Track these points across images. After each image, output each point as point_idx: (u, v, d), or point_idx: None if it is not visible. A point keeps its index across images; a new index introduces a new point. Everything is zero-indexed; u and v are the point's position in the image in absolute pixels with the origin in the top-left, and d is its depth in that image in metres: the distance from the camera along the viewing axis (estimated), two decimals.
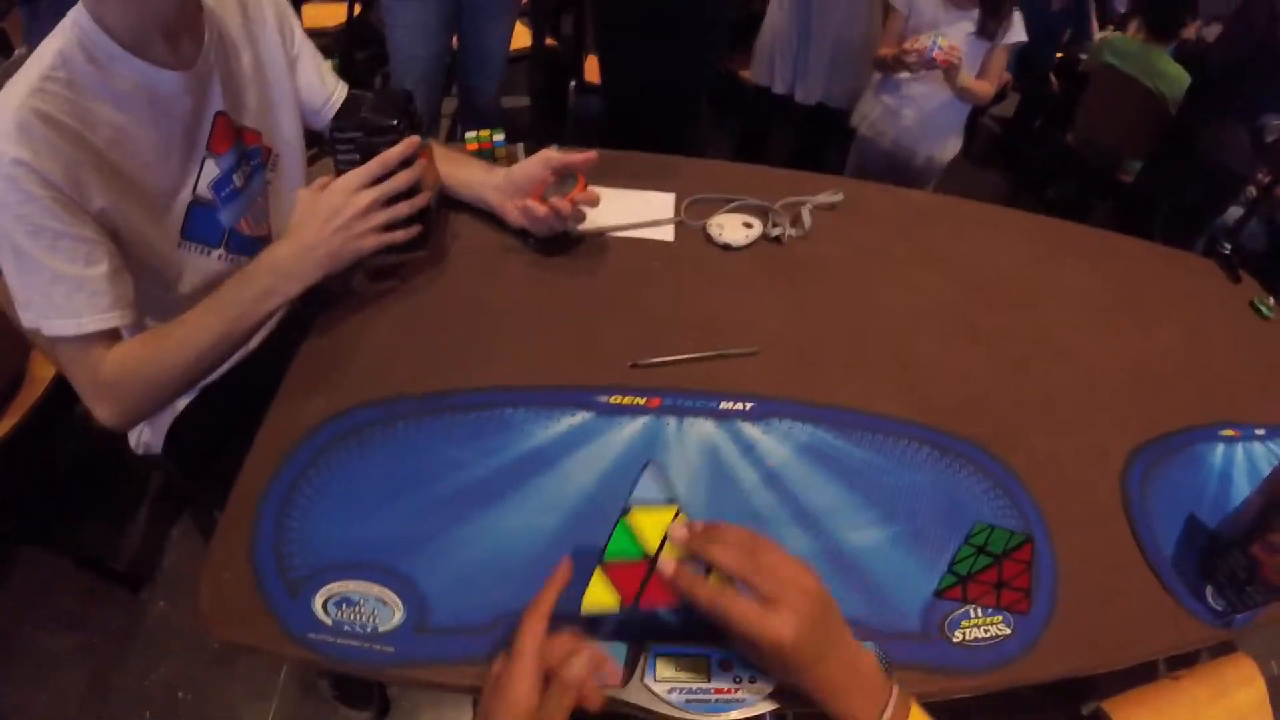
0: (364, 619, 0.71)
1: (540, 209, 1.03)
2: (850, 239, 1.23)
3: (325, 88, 1.17)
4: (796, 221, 1.22)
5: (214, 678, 1.55)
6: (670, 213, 1.23)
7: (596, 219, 1.14)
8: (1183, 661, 1.02)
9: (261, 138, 1.08)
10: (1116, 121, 2.75)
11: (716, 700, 0.67)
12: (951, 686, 0.73)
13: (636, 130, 1.93)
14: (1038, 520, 0.87)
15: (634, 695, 0.67)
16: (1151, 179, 2.64)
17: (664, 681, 0.67)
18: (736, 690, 0.67)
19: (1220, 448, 1.01)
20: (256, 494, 0.79)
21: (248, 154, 1.06)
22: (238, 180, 1.04)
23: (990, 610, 0.78)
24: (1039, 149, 3.29)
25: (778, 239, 1.19)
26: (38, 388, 1.49)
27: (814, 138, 2.68)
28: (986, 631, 0.77)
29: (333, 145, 0.96)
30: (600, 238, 1.16)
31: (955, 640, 0.76)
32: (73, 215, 0.83)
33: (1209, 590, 0.84)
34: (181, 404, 1.13)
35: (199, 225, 1.01)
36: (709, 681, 0.68)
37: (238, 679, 1.55)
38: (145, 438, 1.19)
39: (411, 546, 0.76)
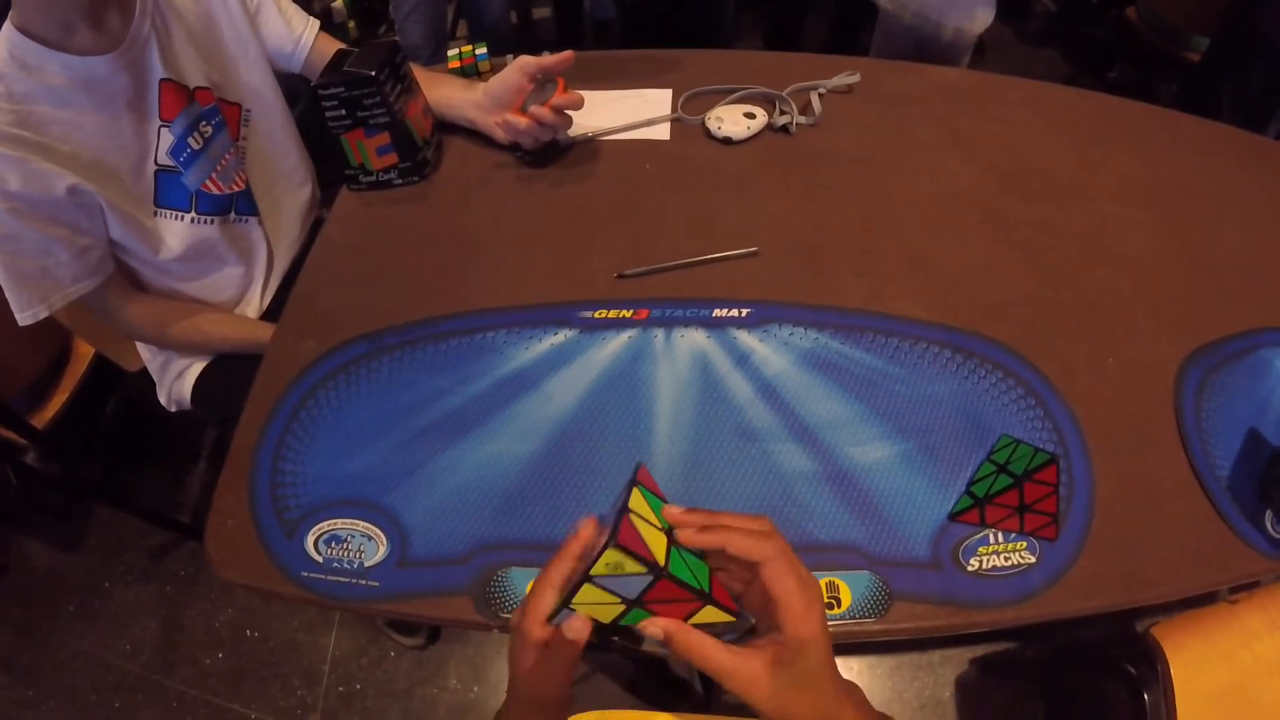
0: (351, 555, 0.72)
1: (521, 121, 1.01)
2: (867, 125, 1.11)
3: (292, 31, 1.14)
4: (807, 109, 1.10)
5: (277, 613, 1.66)
6: (666, 109, 1.13)
7: (587, 123, 1.10)
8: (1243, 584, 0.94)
9: (217, 95, 1.06)
10: None
11: None
12: (962, 621, 0.67)
13: (654, 27, 1.78)
14: (1074, 435, 0.77)
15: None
16: (1218, 58, 2.40)
17: None
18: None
19: None
20: (254, 438, 0.80)
21: (203, 114, 1.04)
22: (194, 142, 1.03)
23: (1013, 536, 0.70)
24: (1098, 26, 3.03)
25: (784, 129, 1.08)
26: (82, 363, 1.54)
27: (846, 21, 2.49)
28: (1007, 559, 0.69)
29: (319, 104, 0.99)
30: (591, 143, 1.10)
31: (970, 569, 0.68)
32: (32, 220, 0.89)
33: (1269, 515, 0.73)
34: (200, 364, 1.20)
35: (168, 191, 1.03)
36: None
37: (298, 614, 1.66)
38: (175, 394, 1.24)
39: (394, 480, 0.76)
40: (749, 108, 1.09)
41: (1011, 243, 0.95)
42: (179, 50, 1.00)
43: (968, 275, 0.91)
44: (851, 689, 0.52)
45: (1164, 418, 0.80)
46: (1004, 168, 1.05)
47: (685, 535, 0.50)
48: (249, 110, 1.12)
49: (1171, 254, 0.96)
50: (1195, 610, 0.94)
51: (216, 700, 1.55)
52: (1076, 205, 1.01)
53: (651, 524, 0.49)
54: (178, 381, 1.22)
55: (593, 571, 0.46)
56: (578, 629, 0.50)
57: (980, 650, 1.50)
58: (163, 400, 1.26)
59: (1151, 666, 0.92)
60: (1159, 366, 0.84)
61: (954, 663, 1.50)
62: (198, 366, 1.20)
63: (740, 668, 0.47)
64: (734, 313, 0.86)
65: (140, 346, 1.24)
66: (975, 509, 0.71)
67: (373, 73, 0.95)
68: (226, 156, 1.07)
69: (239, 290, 1.17)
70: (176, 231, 1.04)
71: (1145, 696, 0.92)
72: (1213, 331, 0.87)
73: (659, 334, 0.84)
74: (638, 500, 0.50)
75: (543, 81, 1.02)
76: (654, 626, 0.49)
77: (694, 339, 0.84)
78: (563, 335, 0.85)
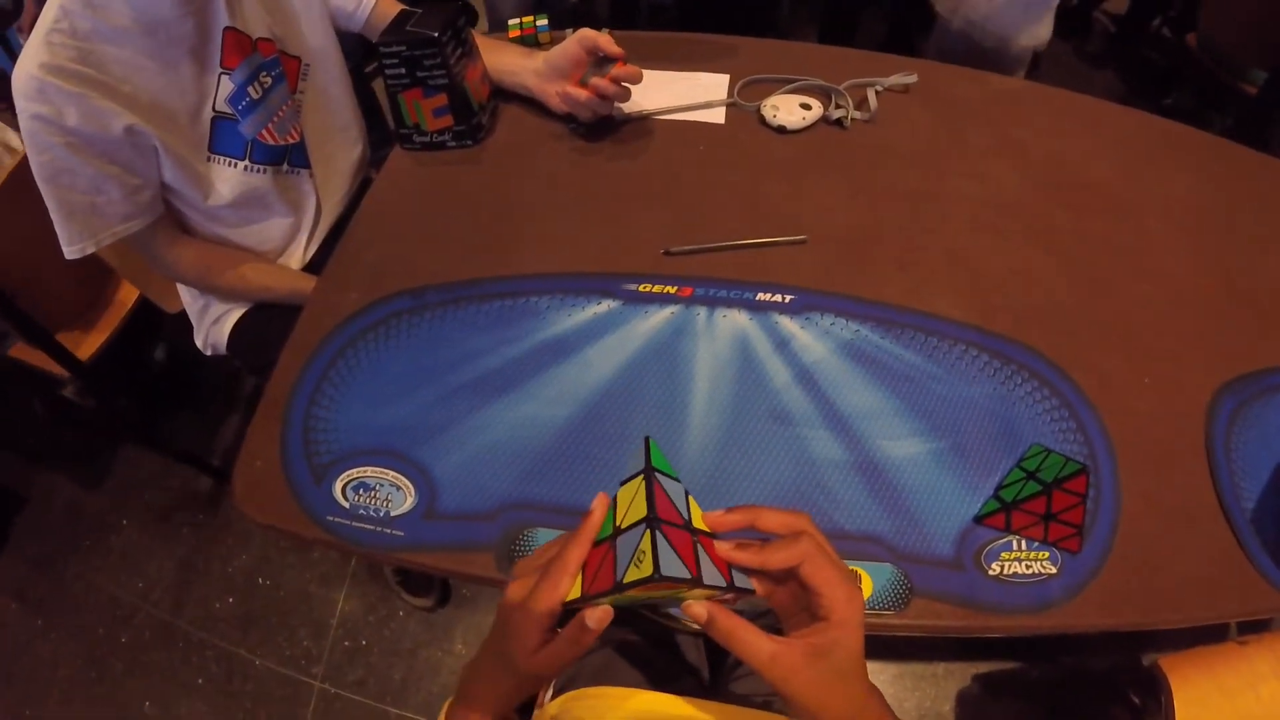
0: (378, 503, 0.72)
1: (580, 93, 1.02)
2: (921, 125, 1.10)
3: None
4: (862, 105, 1.09)
5: (291, 564, 1.69)
6: (723, 94, 1.13)
7: (643, 102, 1.10)
8: (1254, 624, 0.92)
9: (279, 47, 1.07)
10: (1242, 23, 2.45)
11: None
12: (979, 624, 0.67)
13: (710, 14, 1.77)
14: (1105, 451, 0.76)
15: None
16: (1274, 92, 2.36)
17: None
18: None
19: None
20: (290, 383, 0.81)
21: (264, 65, 1.05)
22: (253, 92, 1.03)
23: (1036, 544, 0.70)
24: (1157, 50, 2.98)
25: (839, 122, 1.07)
26: (126, 304, 1.56)
27: (902, 21, 2.45)
28: (1028, 567, 0.69)
29: (379, 61, 1.00)
30: (646, 121, 1.10)
31: (991, 573, 0.68)
32: (88, 155, 0.91)
33: None
34: (239, 311, 1.22)
35: (223, 138, 1.04)
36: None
37: (312, 566, 1.68)
38: (211, 339, 1.26)
39: (428, 434, 0.77)
40: (805, 99, 1.09)
41: (1056, 252, 0.95)
42: (245, 0, 1.01)
43: (1010, 280, 0.91)
44: (875, 689, 0.51)
45: (1194, 443, 0.79)
46: (1054, 179, 1.04)
47: (723, 551, 0.49)
48: (308, 65, 1.12)
49: (1213, 280, 0.94)
50: (1203, 647, 0.93)
51: (222, 643, 1.57)
52: (1123, 221, 1.00)
53: (675, 525, 0.46)
54: (215, 326, 1.24)
55: (625, 579, 0.44)
56: (599, 618, 0.47)
57: (984, 667, 1.49)
58: (199, 344, 1.28)
59: (1155, 698, 0.91)
60: (1193, 391, 0.83)
61: (957, 677, 1.49)
62: (236, 313, 1.21)
63: (781, 655, 0.46)
64: (777, 298, 0.86)
65: (181, 289, 1.26)
66: (1002, 513, 0.71)
67: (436, 34, 0.96)
68: (284, 108, 1.08)
69: (284, 241, 1.18)
70: (228, 178, 1.05)
71: None
72: (1249, 363, 0.86)
73: (701, 312, 0.85)
74: (662, 501, 0.46)
75: (601, 58, 1.02)
76: (697, 608, 0.47)
77: (736, 320, 0.84)
78: (605, 305, 0.86)
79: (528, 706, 0.74)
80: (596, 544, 0.48)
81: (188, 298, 1.25)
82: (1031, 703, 1.48)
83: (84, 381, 1.46)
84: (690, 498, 0.50)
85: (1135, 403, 0.81)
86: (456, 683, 0.57)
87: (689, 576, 0.44)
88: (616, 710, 0.67)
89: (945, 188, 1.02)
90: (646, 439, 0.50)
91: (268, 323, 1.18)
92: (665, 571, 0.42)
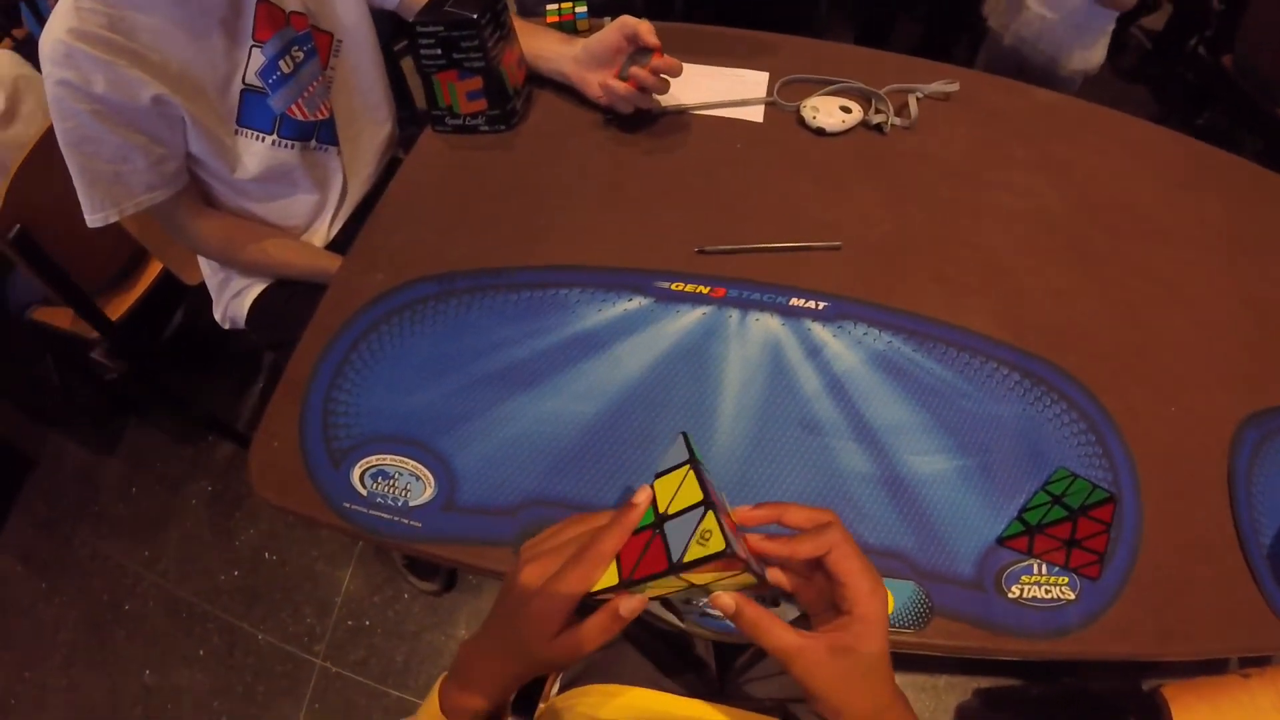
0: (397, 493, 0.71)
1: (620, 86, 1.00)
2: (961, 135, 1.08)
3: None
4: (902, 111, 1.08)
5: (298, 541, 1.69)
6: (762, 92, 1.11)
7: (681, 96, 1.09)
8: (1256, 658, 0.92)
9: (311, 22, 1.06)
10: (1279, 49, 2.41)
11: None
12: (996, 647, 0.66)
13: (747, 10, 1.74)
14: (1129, 479, 0.75)
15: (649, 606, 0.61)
16: None
17: None
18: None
19: None
20: (311, 365, 0.80)
21: (296, 39, 1.03)
22: (284, 66, 1.02)
23: (1057, 570, 0.69)
24: (1192, 69, 2.94)
25: (879, 127, 1.06)
26: (153, 271, 1.56)
27: (942, 28, 2.42)
28: (1048, 592, 0.68)
29: (414, 41, 0.98)
30: (683, 116, 1.09)
31: (1010, 595, 0.68)
32: (113, 124, 0.89)
33: None
34: (259, 286, 1.21)
35: (252, 111, 1.02)
36: None
37: (319, 544, 1.68)
38: (231, 312, 1.25)
39: (450, 424, 0.75)
40: (845, 101, 1.07)
41: (1090, 273, 0.93)
42: None
43: (1044, 299, 0.90)
44: (900, 694, 0.51)
45: (1217, 474, 0.78)
46: (1091, 197, 1.02)
47: (753, 542, 0.50)
48: (340, 41, 1.11)
49: (1245, 309, 0.93)
50: (1206, 677, 0.92)
51: (226, 616, 1.58)
52: (1158, 245, 0.98)
53: (724, 513, 0.48)
54: (235, 300, 1.23)
55: (687, 558, 0.44)
56: (634, 607, 0.48)
57: (985, 682, 1.49)
58: (217, 317, 1.28)
59: None
60: (1218, 422, 0.82)
61: (958, 690, 1.49)
62: (256, 288, 1.21)
63: (806, 649, 0.47)
64: (811, 304, 0.85)
65: (201, 262, 1.25)
66: (1025, 536, 0.71)
67: (474, 15, 0.95)
68: (314, 84, 1.07)
69: (309, 218, 1.17)
70: (256, 152, 1.04)
71: None
72: (1276, 396, 0.85)
73: (733, 314, 0.84)
74: (711, 489, 0.48)
75: (640, 49, 1.00)
76: (725, 599, 0.48)
77: (768, 324, 0.83)
78: (637, 302, 0.84)
79: (527, 697, 0.75)
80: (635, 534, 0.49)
81: (207, 270, 1.25)
82: None
83: (113, 342, 1.45)
84: (722, 493, 0.51)
85: (1160, 431, 0.80)
86: (452, 660, 0.55)
87: (746, 557, 0.46)
88: (612, 701, 0.67)
89: (983, 200, 1.00)
90: (684, 434, 0.51)
91: (288, 299, 1.18)
92: (729, 546, 0.43)
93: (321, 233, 1.19)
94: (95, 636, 1.57)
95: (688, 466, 0.49)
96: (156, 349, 1.70)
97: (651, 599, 0.50)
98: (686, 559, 0.44)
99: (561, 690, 0.75)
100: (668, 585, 0.47)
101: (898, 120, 1.06)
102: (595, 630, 0.48)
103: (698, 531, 0.45)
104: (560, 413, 0.76)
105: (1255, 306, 0.94)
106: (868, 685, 0.48)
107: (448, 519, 0.70)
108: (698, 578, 0.46)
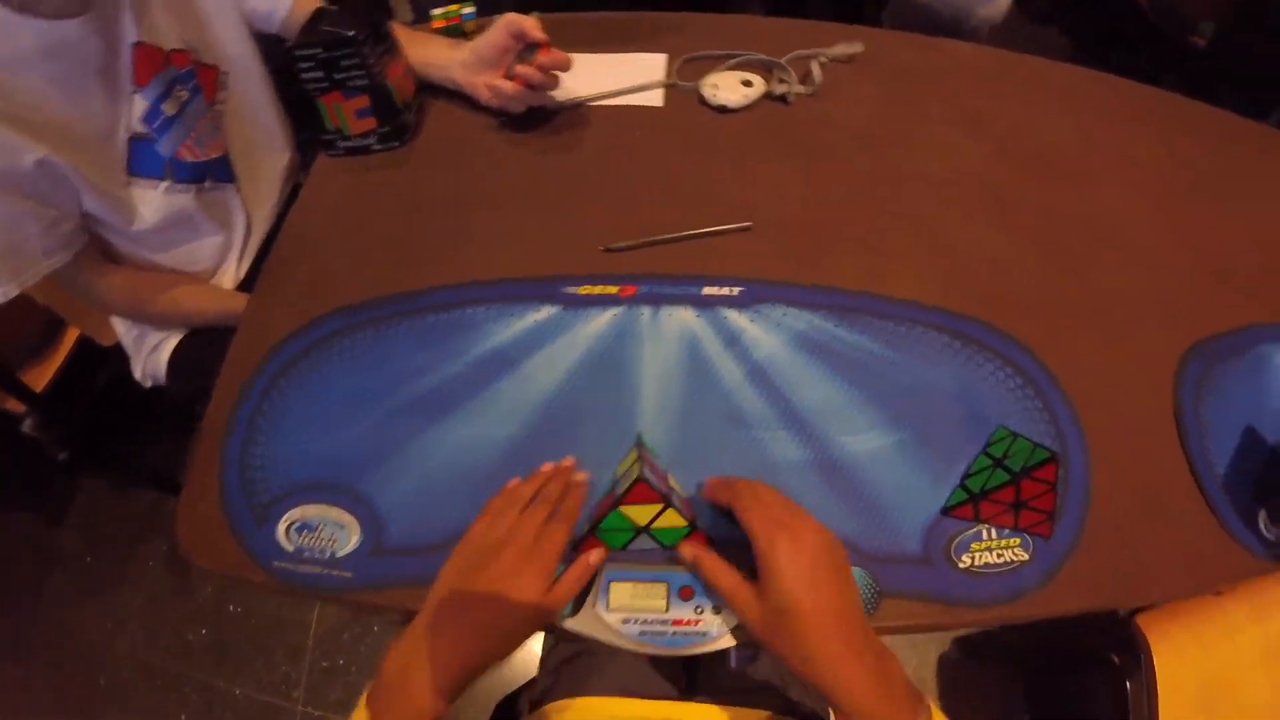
0: (323, 544, 0.69)
1: (507, 86, 0.97)
2: (869, 97, 1.06)
3: None
4: (806, 79, 1.05)
5: (259, 589, 1.62)
6: (661, 75, 1.08)
7: (576, 89, 1.05)
8: None
9: (194, 57, 1.02)
10: None
11: (674, 633, 0.59)
12: (953, 619, 0.64)
13: None
14: (1073, 428, 0.74)
15: (585, 625, 0.60)
16: (1224, 42, 2.34)
17: (617, 611, 0.60)
18: (697, 622, 0.59)
19: None
20: (225, 417, 0.77)
21: (179, 78, 0.99)
22: (168, 109, 0.98)
23: (1007, 532, 0.68)
24: (1104, 7, 2.95)
25: (782, 98, 1.03)
26: (73, 334, 1.51)
27: None
28: (1000, 556, 0.66)
29: (294, 66, 0.94)
30: (580, 110, 1.05)
31: (962, 565, 0.66)
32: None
33: (1262, 515, 0.70)
34: (175, 338, 1.16)
35: (141, 160, 0.98)
36: (666, 612, 0.60)
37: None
38: (150, 369, 1.20)
39: (370, 464, 0.72)
40: (747, 75, 1.04)
41: (1017, 226, 0.91)
42: (154, 10, 0.95)
43: (973, 258, 0.88)
44: (883, 654, 0.53)
45: (1163, 412, 0.77)
46: (1015, 149, 1.00)
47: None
48: (226, 73, 1.07)
49: (1176, 243, 0.92)
50: (1180, 601, 0.92)
51: (201, 675, 1.54)
52: (1085, 189, 0.97)
53: (657, 471, 0.65)
54: (153, 355, 1.18)
55: (619, 493, 0.60)
56: (601, 555, 0.61)
57: (964, 631, 1.49)
58: (137, 375, 1.23)
59: (1135, 655, 0.91)
60: (1160, 360, 0.80)
61: (937, 642, 1.51)
62: (173, 340, 1.16)
63: (739, 589, 0.55)
64: (725, 291, 0.82)
65: (115, 321, 1.20)
66: (969, 504, 0.69)
67: (352, 33, 0.90)
68: (202, 121, 1.03)
69: (216, 260, 1.13)
70: (150, 201, 0.99)
71: (1127, 685, 0.92)
72: (1214, 325, 0.84)
73: (645, 312, 0.81)
74: (646, 456, 0.65)
75: (529, 44, 0.97)
76: (687, 547, 0.60)
77: (682, 318, 0.80)
78: (545, 312, 0.81)
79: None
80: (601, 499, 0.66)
81: (121, 328, 1.19)
82: (1012, 665, 1.49)
83: (41, 413, 1.41)
84: (669, 471, 0.68)
85: (1102, 377, 0.78)
86: (378, 675, 0.56)
87: (664, 491, 0.59)
88: (587, 713, 0.72)
89: (898, 163, 0.98)
90: (639, 434, 0.72)
91: (207, 346, 1.12)
92: (646, 475, 0.58)
93: (230, 273, 1.15)
94: (82, 717, 1.53)
95: (635, 449, 0.67)
96: (87, 412, 1.65)
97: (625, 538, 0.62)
98: (619, 493, 0.59)
99: (533, 709, 0.75)
100: (619, 530, 0.61)
101: (801, 88, 1.03)
102: (572, 579, 0.59)
103: (625, 473, 0.63)
104: (480, 438, 0.73)
105: (1190, 240, 0.92)
106: (788, 627, 0.52)
107: (377, 564, 0.67)
108: (634, 513, 0.60)
